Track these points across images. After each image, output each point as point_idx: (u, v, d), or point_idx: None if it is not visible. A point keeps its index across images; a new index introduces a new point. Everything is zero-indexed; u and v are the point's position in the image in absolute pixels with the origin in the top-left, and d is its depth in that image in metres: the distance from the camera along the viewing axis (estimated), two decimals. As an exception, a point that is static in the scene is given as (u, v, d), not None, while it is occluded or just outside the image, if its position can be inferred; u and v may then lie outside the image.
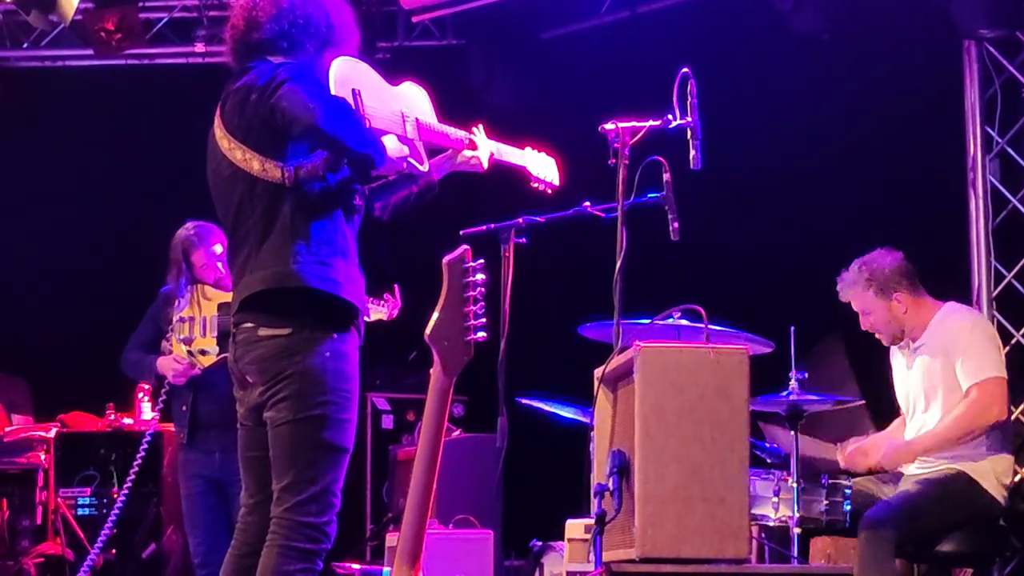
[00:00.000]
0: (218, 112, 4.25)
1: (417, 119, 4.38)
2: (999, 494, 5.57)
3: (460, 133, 4.56)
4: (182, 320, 6.06)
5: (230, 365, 4.28)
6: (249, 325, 4.15)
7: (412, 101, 4.41)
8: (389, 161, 4.19)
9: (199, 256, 6.13)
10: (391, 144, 4.21)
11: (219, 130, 4.22)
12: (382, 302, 6.33)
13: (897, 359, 5.92)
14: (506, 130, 4.84)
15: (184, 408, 6.15)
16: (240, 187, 4.16)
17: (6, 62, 9.09)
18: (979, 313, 5.93)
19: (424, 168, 4.36)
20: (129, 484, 6.65)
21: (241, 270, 4.21)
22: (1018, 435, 7.16)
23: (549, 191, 4.81)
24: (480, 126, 4.62)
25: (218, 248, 6.13)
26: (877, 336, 5.87)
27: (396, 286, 6.35)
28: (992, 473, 5.57)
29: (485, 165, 4.59)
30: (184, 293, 6.09)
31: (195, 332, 6.05)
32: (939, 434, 5.59)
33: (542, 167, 4.78)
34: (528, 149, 4.78)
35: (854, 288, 5.80)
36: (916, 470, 5.69)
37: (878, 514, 5.39)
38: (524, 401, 5.96)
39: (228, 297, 5.95)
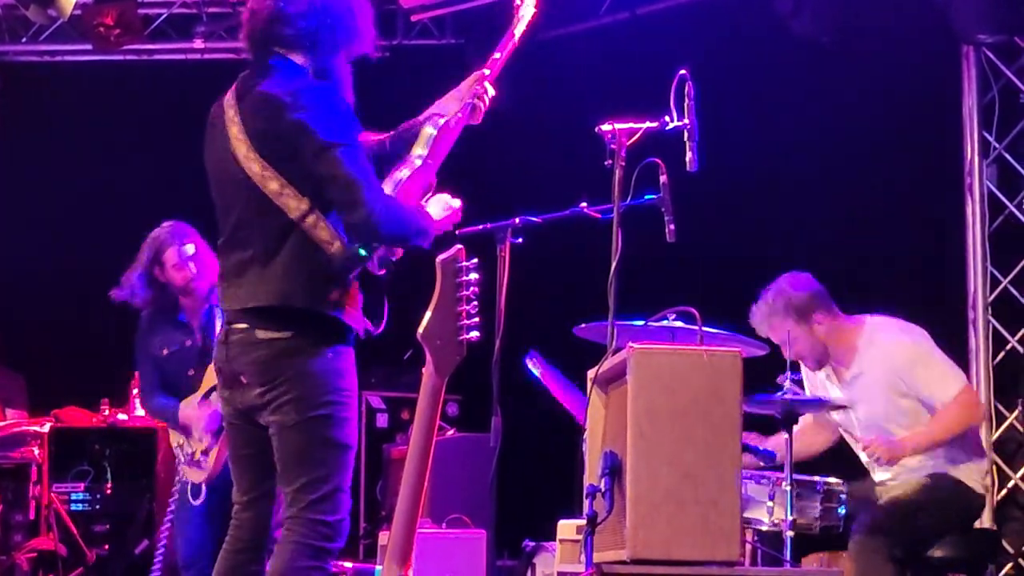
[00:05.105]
0: (235, 107, 4.12)
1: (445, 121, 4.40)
2: (982, 490, 5.65)
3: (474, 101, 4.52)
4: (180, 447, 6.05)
5: (219, 365, 4.21)
6: (244, 326, 4.10)
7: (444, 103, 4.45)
8: (438, 231, 4.23)
9: (170, 255, 6.03)
10: (437, 209, 4.25)
11: (235, 127, 4.09)
12: None
13: (829, 390, 5.83)
14: (503, 129, 4.82)
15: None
16: (255, 195, 4.06)
17: (5, 56, 9.08)
18: (907, 324, 5.75)
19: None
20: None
21: (238, 269, 4.13)
22: (1013, 440, 7.17)
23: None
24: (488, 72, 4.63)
25: (190, 248, 6.05)
26: (803, 364, 5.79)
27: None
28: (975, 471, 5.62)
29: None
30: (141, 293, 6.04)
31: (194, 448, 6.00)
32: (933, 434, 5.60)
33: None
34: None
35: (772, 320, 5.67)
36: (903, 476, 5.69)
37: (870, 520, 5.39)
38: (531, 363, 5.96)
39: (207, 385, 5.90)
